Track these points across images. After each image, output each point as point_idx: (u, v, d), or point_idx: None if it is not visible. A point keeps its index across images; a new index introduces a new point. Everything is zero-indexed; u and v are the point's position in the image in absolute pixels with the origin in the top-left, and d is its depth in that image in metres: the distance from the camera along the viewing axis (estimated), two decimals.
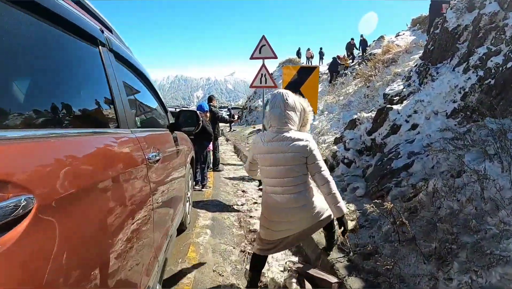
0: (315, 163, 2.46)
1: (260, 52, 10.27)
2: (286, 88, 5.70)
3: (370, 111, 6.73)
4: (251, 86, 10.45)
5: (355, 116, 6.99)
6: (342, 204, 2.53)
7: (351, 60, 20.35)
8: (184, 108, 10.24)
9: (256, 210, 5.42)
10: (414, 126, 5.38)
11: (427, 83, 6.37)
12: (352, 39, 21.55)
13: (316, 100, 5.89)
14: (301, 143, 2.40)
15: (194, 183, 5.78)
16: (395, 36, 15.30)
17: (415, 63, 7.92)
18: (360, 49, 19.77)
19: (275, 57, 10.11)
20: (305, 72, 5.90)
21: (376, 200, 3.83)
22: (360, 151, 6.35)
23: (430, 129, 5.11)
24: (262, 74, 10.18)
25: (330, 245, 3.15)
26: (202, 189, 6.62)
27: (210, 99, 8.11)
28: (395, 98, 6.95)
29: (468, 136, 4.04)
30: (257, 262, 2.76)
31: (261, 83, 10.12)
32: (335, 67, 18.55)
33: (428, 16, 11.05)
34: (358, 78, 11.78)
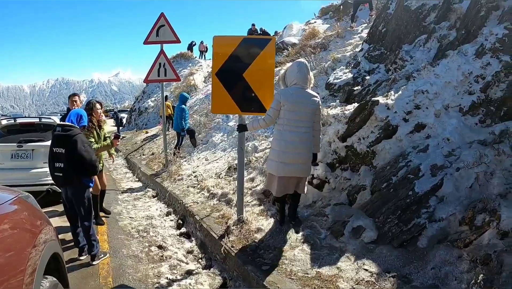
0: (319, 115, 3.62)
1: (157, 35, 7.55)
2: (217, 75, 3.70)
3: (336, 107, 4.96)
4: (145, 80, 7.68)
5: None
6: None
7: None
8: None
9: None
10: (420, 127, 3.74)
11: (397, 69, 4.97)
12: (253, 24, 18.37)
13: (272, 87, 3.74)
14: (316, 99, 3.52)
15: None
16: (305, 24, 14.43)
17: (360, 48, 6.62)
18: None
19: (178, 41, 7.60)
20: (253, 46, 3.64)
21: (402, 247, 3.03)
22: (332, 164, 4.48)
23: (446, 131, 3.55)
24: (160, 64, 7.52)
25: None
26: (93, 262, 3.72)
27: (90, 106, 4.76)
28: (355, 89, 5.35)
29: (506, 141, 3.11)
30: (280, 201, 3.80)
31: (159, 76, 7.46)
32: None
33: (353, 2, 10.21)
34: (278, 67, 10.00)
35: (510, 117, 3.39)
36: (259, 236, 3.68)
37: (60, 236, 4.45)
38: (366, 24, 8.99)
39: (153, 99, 20.46)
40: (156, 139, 11.71)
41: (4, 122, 6.48)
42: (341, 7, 13.59)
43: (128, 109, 28.54)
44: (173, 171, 6.81)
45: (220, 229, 3.98)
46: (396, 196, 3.34)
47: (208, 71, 21.17)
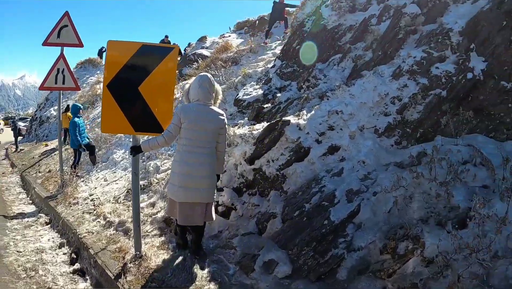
0: (224, 135, 3.33)
1: (59, 36, 6.57)
2: (109, 87, 3.15)
3: (244, 126, 4.65)
4: (41, 87, 6.65)
5: None
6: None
7: None
8: None
9: None
10: (334, 150, 3.58)
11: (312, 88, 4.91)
12: (166, 36, 17.73)
13: (171, 105, 3.28)
14: (221, 117, 3.22)
15: None
16: (219, 37, 14.28)
17: (273, 64, 6.53)
18: None
19: (80, 45, 6.74)
20: (152, 55, 3.14)
21: (320, 280, 2.84)
22: (239, 189, 4.12)
23: (361, 153, 3.47)
24: (59, 69, 6.56)
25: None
26: None
27: None
28: (264, 107, 5.17)
29: (424, 163, 3.10)
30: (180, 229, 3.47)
31: (56, 83, 6.53)
32: None
33: (270, 16, 10.20)
34: (186, 80, 9.46)
35: (426, 139, 3.44)
36: (160, 275, 3.15)
37: None
38: (280, 42, 9.06)
39: (56, 107, 18.27)
40: (55, 154, 10.26)
41: None
42: (257, 22, 13.75)
43: (29, 118, 25.35)
44: (69, 193, 5.87)
45: (117, 267, 3.39)
46: (310, 225, 3.09)
47: None
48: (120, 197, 5.29)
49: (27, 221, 5.67)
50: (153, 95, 3.11)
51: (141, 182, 5.37)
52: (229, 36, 13.96)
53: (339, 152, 3.59)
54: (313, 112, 4.02)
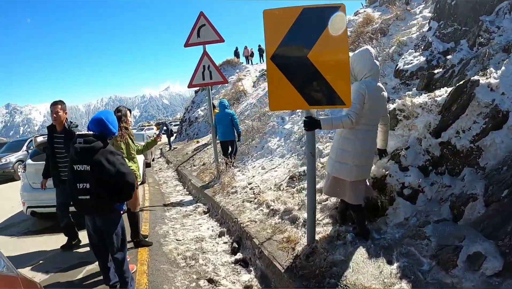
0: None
1: (198, 36, 6.76)
2: (273, 58, 2.77)
3: (420, 95, 3.87)
4: (189, 85, 6.95)
5: (393, 106, 3.95)
6: None
7: None
8: None
9: None
10: None
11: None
12: None
13: (347, 71, 2.67)
14: (386, 93, 3.13)
15: None
16: (354, 15, 13.22)
17: (428, 27, 5.72)
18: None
19: (221, 40, 6.86)
20: (317, 16, 2.66)
21: None
22: (424, 167, 3.38)
23: None
24: (204, 66, 6.82)
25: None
26: None
27: (121, 113, 4.16)
28: (435, 73, 4.38)
29: None
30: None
31: (204, 79, 6.68)
32: None
33: None
34: None
35: None
36: (339, 270, 2.75)
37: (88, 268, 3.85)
38: (423, 5, 7.67)
39: (202, 108, 20.37)
40: (207, 149, 11.16)
41: (39, 139, 6.14)
42: None
43: (179, 121, 29.08)
44: (226, 183, 6.01)
45: (286, 258, 3.13)
46: None
47: (256, 76, 20.68)
48: (281, 184, 5.08)
49: (185, 211, 5.99)
50: (325, 63, 2.65)
51: (302, 168, 5.11)
52: (364, 11, 12.86)
53: None
54: (503, 68, 3.16)
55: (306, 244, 3.15)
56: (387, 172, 3.49)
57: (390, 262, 2.70)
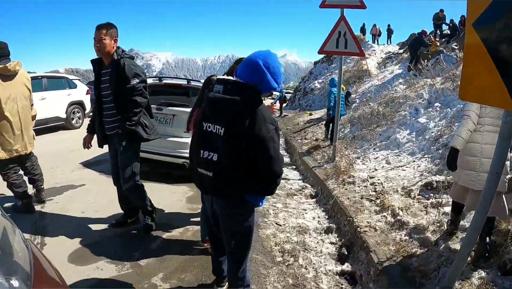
0: None
1: None
2: (475, 26, 1.81)
3: None
4: (320, 51, 6.17)
5: None
6: None
7: (441, 42, 15.09)
8: None
9: None
10: None
11: None
12: (441, 10, 16.12)
13: None
14: None
15: None
16: None
17: None
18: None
19: (363, 6, 5.84)
20: None
21: None
22: None
23: None
24: (340, 33, 5.96)
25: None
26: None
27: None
28: None
29: None
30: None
31: (337, 47, 5.77)
32: (417, 47, 12.77)
33: None
34: None
35: None
36: None
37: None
38: None
39: (320, 81, 19.44)
40: (321, 124, 10.43)
41: (148, 81, 6.08)
42: None
43: (291, 90, 28.61)
44: (342, 169, 5.26)
45: None
46: None
47: (381, 57, 18.81)
48: (412, 189, 4.15)
49: (290, 189, 5.45)
50: None
51: (440, 177, 4.14)
52: None
53: None
54: None
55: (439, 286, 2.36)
56: None
57: None
